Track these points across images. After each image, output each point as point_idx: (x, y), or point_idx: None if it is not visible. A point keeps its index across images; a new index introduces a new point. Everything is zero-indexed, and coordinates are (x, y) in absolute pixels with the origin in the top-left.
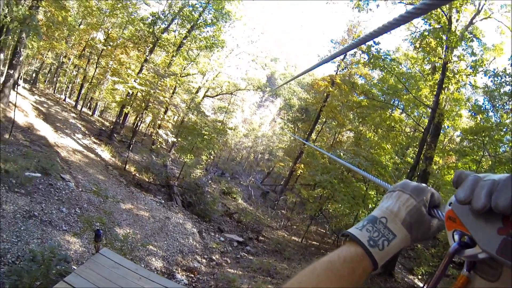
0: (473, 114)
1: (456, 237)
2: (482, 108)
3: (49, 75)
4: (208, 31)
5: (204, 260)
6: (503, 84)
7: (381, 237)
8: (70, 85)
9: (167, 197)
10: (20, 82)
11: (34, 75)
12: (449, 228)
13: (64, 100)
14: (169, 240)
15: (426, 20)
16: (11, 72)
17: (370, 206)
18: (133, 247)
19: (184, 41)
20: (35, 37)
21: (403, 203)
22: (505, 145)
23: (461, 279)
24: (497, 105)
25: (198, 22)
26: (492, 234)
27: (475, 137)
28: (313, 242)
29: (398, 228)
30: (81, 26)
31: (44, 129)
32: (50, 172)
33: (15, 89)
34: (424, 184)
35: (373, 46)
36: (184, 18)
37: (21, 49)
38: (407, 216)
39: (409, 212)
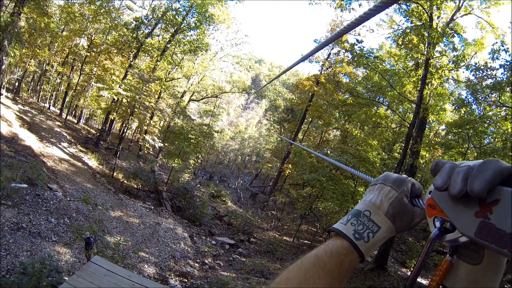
0: (457, 107)
1: (437, 223)
2: (465, 102)
3: (32, 83)
4: (192, 35)
5: (196, 264)
6: (485, 77)
7: (366, 229)
8: (54, 93)
9: (156, 203)
10: (3, 91)
11: (16, 83)
12: (430, 215)
13: (49, 108)
14: (161, 246)
15: (408, 17)
16: None
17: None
18: (124, 254)
19: (168, 45)
20: (17, 44)
21: (385, 195)
22: (489, 137)
23: (444, 264)
24: (480, 98)
25: (181, 26)
26: (470, 218)
27: (460, 130)
28: (305, 241)
29: (382, 220)
30: (64, 33)
31: (29, 139)
32: (36, 183)
33: None
34: (404, 175)
35: (357, 45)
36: (167, 22)
37: (3, 57)
38: (390, 208)
39: (391, 203)
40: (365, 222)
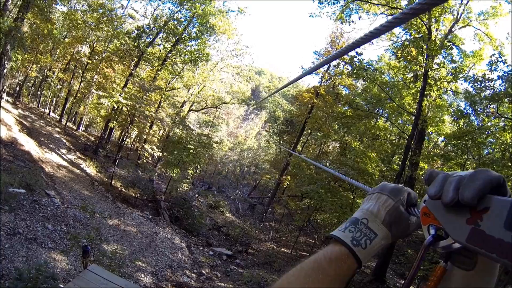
0: (455, 119)
1: (432, 231)
2: (464, 113)
3: (33, 88)
4: (192, 45)
5: (193, 275)
6: (483, 89)
7: (363, 236)
8: (55, 99)
9: (154, 212)
10: (3, 95)
11: (17, 88)
12: (424, 223)
13: (48, 114)
14: (158, 256)
15: (406, 30)
16: None
17: None
18: (121, 263)
19: (169, 55)
20: (19, 49)
21: (382, 203)
22: (488, 148)
23: (438, 270)
24: (479, 109)
25: (183, 36)
26: (462, 225)
27: (459, 141)
28: (303, 253)
29: (379, 227)
30: (66, 39)
31: (28, 144)
32: (34, 188)
33: None
34: (401, 185)
35: (356, 57)
36: (169, 32)
37: (5, 62)
38: (387, 216)
39: (388, 211)
40: (362, 229)
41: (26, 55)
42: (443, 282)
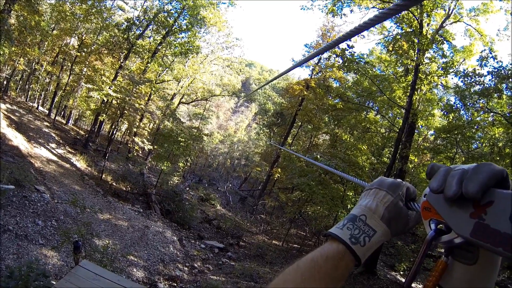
0: (445, 113)
1: (432, 225)
2: (453, 107)
3: (21, 82)
4: (183, 37)
5: (186, 268)
6: (473, 84)
7: (362, 233)
8: (43, 93)
9: (145, 206)
10: None
11: (5, 82)
12: (425, 217)
13: (37, 108)
14: (150, 249)
15: (398, 24)
16: None
17: (348, 206)
18: (113, 258)
19: (159, 47)
20: (6, 42)
21: (381, 199)
22: (477, 142)
23: (440, 265)
24: (468, 104)
25: (173, 28)
26: (465, 219)
27: (448, 135)
28: (294, 245)
29: (378, 224)
30: (54, 32)
31: (17, 139)
32: (24, 184)
33: None
34: (399, 180)
35: (347, 50)
36: (159, 24)
37: None
38: (386, 212)
39: (387, 208)
40: (361, 227)
41: (13, 48)
42: (445, 276)
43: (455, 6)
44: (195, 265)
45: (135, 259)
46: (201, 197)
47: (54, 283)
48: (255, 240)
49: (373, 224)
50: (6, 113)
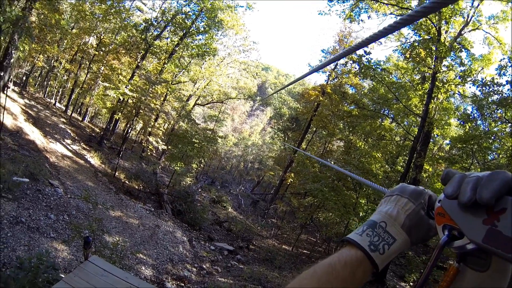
0: (462, 122)
1: (446, 231)
2: (470, 117)
3: (39, 78)
4: (200, 39)
5: (194, 269)
6: (491, 93)
7: (381, 241)
8: (61, 89)
9: (157, 205)
10: (10, 84)
11: (24, 78)
12: (439, 223)
13: (54, 104)
14: (159, 249)
15: (416, 31)
16: (1, 74)
17: (360, 214)
18: (122, 255)
19: (176, 48)
20: (27, 39)
21: (402, 207)
22: (494, 153)
23: (451, 270)
24: (486, 113)
25: (190, 30)
26: (478, 225)
27: (464, 145)
28: (304, 251)
29: (398, 232)
30: (74, 30)
31: (33, 134)
32: (38, 178)
33: (5, 92)
34: (421, 187)
35: (364, 56)
36: (176, 25)
37: (13, 51)
38: (407, 220)
39: (408, 215)
40: (380, 234)
41: (33, 45)
42: (456, 282)
43: (474, 13)
44: (204, 266)
45: (144, 258)
46: (213, 199)
47: (63, 276)
48: (265, 244)
49: (393, 231)
50: (24, 108)
